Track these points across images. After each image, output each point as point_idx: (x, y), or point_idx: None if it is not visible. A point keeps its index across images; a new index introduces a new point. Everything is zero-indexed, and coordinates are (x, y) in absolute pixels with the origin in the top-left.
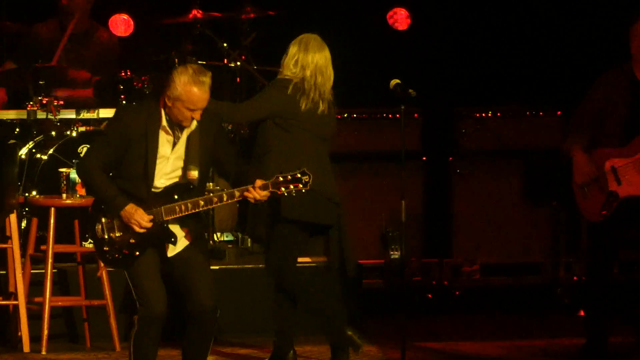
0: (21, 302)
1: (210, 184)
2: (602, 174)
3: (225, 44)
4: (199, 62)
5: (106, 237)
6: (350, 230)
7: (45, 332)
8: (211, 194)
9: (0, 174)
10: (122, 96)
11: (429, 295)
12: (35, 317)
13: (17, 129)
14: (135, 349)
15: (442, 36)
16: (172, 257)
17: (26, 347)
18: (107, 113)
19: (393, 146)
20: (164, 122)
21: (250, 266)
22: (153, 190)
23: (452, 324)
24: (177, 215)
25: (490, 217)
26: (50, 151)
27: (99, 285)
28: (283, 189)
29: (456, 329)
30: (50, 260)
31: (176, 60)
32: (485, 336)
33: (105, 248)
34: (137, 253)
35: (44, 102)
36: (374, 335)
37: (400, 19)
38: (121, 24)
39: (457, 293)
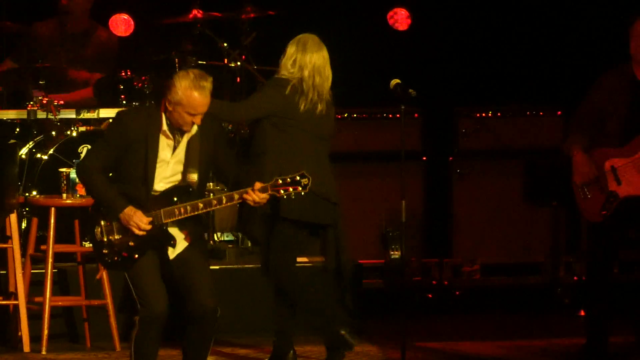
0: (21, 302)
1: (211, 183)
2: (602, 174)
3: (225, 44)
4: (199, 62)
5: (105, 239)
6: (351, 230)
7: (46, 332)
8: (211, 197)
9: (0, 174)
10: (122, 96)
11: (429, 295)
12: (35, 317)
13: (18, 129)
14: (136, 350)
15: (442, 36)
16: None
17: (26, 347)
18: (107, 113)
19: (393, 146)
20: (165, 127)
21: (250, 266)
22: (152, 193)
23: (452, 324)
24: (176, 218)
25: (490, 217)
26: (51, 151)
27: (99, 285)
28: (282, 191)
29: (456, 329)
30: (50, 260)
31: (176, 60)
32: (486, 336)
33: (104, 251)
34: (136, 256)
35: (44, 102)
36: (374, 335)
37: (400, 19)
38: (121, 24)
39: (457, 293)
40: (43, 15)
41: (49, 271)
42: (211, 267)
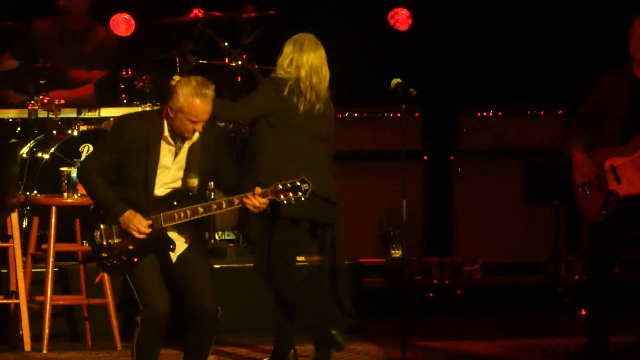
0: (22, 300)
1: (211, 182)
2: (602, 173)
3: (226, 43)
4: (200, 61)
5: (104, 243)
6: (351, 230)
7: (47, 331)
8: (210, 202)
9: (1, 173)
10: (123, 95)
11: (430, 295)
12: (36, 316)
13: (18, 128)
14: (137, 350)
15: (442, 36)
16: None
17: (27, 346)
18: (108, 112)
19: (394, 145)
20: (166, 133)
21: (251, 265)
22: (152, 197)
23: (452, 323)
24: (176, 222)
25: (491, 216)
26: (52, 150)
27: (100, 284)
28: (282, 196)
29: (457, 328)
30: (51, 259)
31: (177, 59)
32: (486, 335)
33: (103, 254)
34: (136, 260)
35: (45, 101)
36: (375, 335)
37: (401, 19)
38: (122, 24)
39: (458, 292)
40: (43, 15)
41: (50, 270)
42: (212, 266)
